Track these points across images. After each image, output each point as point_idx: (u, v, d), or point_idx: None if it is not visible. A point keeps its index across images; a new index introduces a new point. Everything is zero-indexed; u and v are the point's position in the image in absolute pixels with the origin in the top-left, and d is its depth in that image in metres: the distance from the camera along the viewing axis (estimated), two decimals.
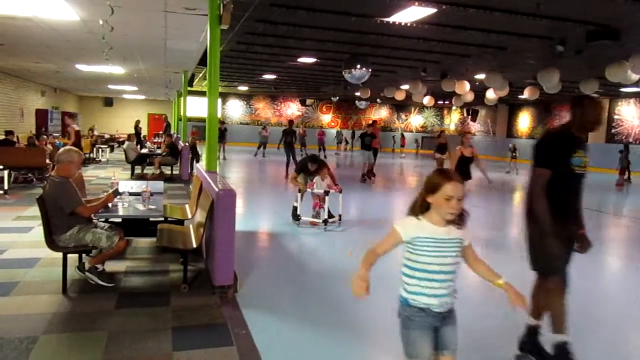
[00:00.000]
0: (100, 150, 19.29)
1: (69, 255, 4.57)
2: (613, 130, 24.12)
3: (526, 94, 16.97)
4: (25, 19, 8.05)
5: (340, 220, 8.07)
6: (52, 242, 4.49)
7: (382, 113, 36.60)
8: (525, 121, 30.17)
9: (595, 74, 13.62)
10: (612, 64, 11.06)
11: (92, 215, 4.77)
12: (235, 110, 33.75)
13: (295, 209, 8.05)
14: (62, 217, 4.47)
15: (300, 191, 7.91)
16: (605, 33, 8.90)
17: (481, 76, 15.15)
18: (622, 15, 8.19)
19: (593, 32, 8.99)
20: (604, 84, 14.39)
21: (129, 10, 7.16)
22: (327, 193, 7.74)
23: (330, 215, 8.02)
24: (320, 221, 7.84)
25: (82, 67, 14.48)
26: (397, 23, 9.15)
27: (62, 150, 4.77)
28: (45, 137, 14.02)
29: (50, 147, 12.48)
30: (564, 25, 8.79)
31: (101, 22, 7.11)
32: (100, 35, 8.07)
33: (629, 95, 22.28)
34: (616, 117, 24.06)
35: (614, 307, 5.05)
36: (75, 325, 3.81)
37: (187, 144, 14.53)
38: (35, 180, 11.35)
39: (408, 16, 8.64)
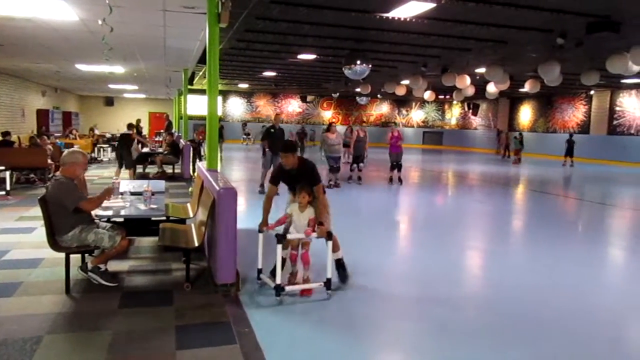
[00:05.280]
0: (102, 149, 19.31)
1: (72, 255, 4.59)
2: (614, 122, 24.05)
3: (527, 87, 16.91)
4: (25, 19, 8.05)
5: (327, 288, 4.57)
6: (54, 242, 4.51)
7: (382, 108, 36.56)
8: (526, 114, 30.09)
9: (595, 66, 13.56)
10: (612, 55, 11.02)
11: (94, 215, 4.79)
12: (235, 107, 33.75)
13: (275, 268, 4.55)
14: (65, 217, 4.49)
15: (260, 231, 4.74)
16: (605, 24, 8.86)
17: (481, 70, 15.11)
18: (621, 6, 8.16)
19: (593, 24, 8.95)
20: (604, 75, 14.31)
21: (127, 9, 7.16)
22: (279, 239, 4.44)
23: (346, 274, 4.96)
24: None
25: (82, 67, 14.49)
26: (396, 18, 9.13)
27: (66, 152, 4.80)
28: (45, 137, 14.03)
29: (51, 147, 12.49)
30: (563, 17, 8.75)
31: (100, 22, 7.11)
32: (100, 34, 8.08)
33: (630, 87, 22.21)
34: (617, 108, 23.97)
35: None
36: (79, 325, 3.83)
37: (190, 142, 14.56)
38: (37, 180, 11.37)
39: (407, 11, 8.61)
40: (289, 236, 4.56)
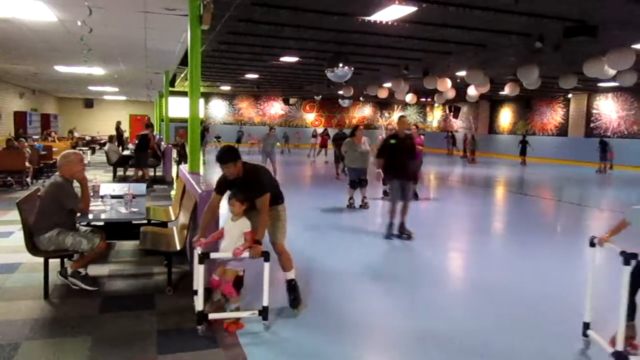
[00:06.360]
0: (81, 152, 19.03)
1: (51, 260, 4.51)
2: (591, 125, 24.53)
3: (506, 90, 17.20)
4: (2, 19, 7.91)
5: (264, 318, 3.89)
6: (32, 245, 4.43)
7: (365, 111, 36.72)
8: (506, 117, 30.52)
9: (573, 69, 13.85)
10: (589, 59, 11.26)
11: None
12: (218, 110, 33.56)
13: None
14: (49, 216, 4.46)
15: (193, 247, 4.05)
16: (582, 29, 9.04)
17: (462, 73, 15.30)
18: (597, 11, 8.34)
19: (570, 28, 9.13)
20: (581, 78, 14.63)
21: (107, 10, 7.09)
22: (200, 258, 3.70)
23: (297, 297, 4.33)
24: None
25: (61, 68, 14.28)
26: (378, 21, 9.19)
27: (59, 156, 4.82)
28: (23, 139, 13.77)
29: (29, 149, 12.27)
30: (541, 21, 8.91)
31: (79, 23, 7.01)
32: (79, 36, 7.98)
33: (606, 90, 22.68)
34: (594, 111, 24.47)
35: None
36: (58, 331, 3.76)
37: (175, 144, 14.48)
38: (14, 183, 11.15)
39: (389, 14, 8.68)
40: (212, 255, 3.79)
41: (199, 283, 3.73)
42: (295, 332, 3.93)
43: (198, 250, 3.78)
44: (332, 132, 23.52)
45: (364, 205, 9.70)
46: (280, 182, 4.71)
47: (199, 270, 3.71)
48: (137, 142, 13.22)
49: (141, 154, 12.68)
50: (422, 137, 11.35)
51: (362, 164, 9.69)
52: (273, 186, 4.26)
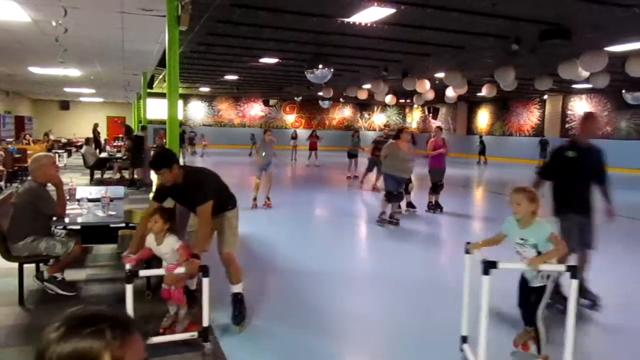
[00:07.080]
0: (57, 155, 18.67)
1: (26, 265, 4.42)
2: (567, 125, 25.04)
3: (484, 91, 17.43)
4: None
5: (204, 340, 3.54)
6: (6, 250, 4.33)
7: (345, 112, 36.84)
8: (484, 118, 30.94)
9: (548, 71, 14.12)
10: (563, 61, 11.50)
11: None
12: (197, 111, 33.28)
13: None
14: (24, 224, 4.37)
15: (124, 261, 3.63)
16: (557, 32, 9.23)
17: (441, 74, 15.45)
18: (571, 15, 8.52)
19: (546, 31, 9.31)
20: (556, 80, 14.92)
21: (83, 11, 6.96)
22: (128, 278, 3.30)
23: (242, 313, 3.98)
24: None
25: (36, 70, 13.99)
26: (357, 23, 9.23)
27: (30, 160, 4.74)
28: None
29: (2, 152, 11.99)
30: (518, 24, 9.06)
31: (54, 23, 6.88)
32: (53, 36, 7.82)
33: (581, 92, 23.18)
34: (569, 112, 24.98)
35: None
36: (34, 338, 3.66)
37: (155, 146, 14.36)
38: None
39: (368, 16, 8.73)
40: (142, 273, 3.50)
41: (127, 304, 3.27)
42: (276, 334, 3.92)
43: (127, 267, 3.40)
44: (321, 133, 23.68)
45: (394, 222, 8.27)
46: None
47: (126, 290, 3.26)
48: (133, 143, 13.30)
49: (137, 155, 12.68)
50: (444, 139, 9.92)
51: (405, 172, 8.20)
52: (219, 191, 3.85)
